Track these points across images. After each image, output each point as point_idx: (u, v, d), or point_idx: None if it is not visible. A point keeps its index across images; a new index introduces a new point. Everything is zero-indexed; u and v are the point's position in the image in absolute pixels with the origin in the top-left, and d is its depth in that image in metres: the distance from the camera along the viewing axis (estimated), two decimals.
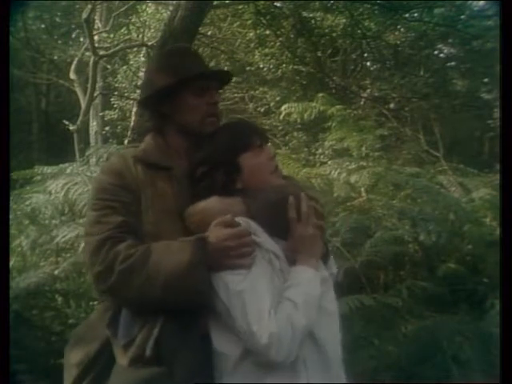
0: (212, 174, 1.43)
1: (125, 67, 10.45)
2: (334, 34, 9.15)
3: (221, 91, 1.73)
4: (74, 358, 1.51)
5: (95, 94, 9.22)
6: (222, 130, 1.50)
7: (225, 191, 1.41)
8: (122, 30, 10.05)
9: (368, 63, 10.88)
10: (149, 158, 1.53)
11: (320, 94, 6.09)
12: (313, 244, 1.41)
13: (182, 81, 1.53)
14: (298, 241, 1.39)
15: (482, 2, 9.86)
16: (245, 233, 1.33)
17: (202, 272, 1.31)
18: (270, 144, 1.54)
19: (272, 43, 9.17)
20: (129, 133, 4.94)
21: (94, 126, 10.30)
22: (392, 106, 9.78)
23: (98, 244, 1.38)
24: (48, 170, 4.87)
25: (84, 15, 7.97)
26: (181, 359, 1.30)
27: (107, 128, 10.96)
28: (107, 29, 9.89)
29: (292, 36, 9.16)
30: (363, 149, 5.27)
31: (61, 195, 3.95)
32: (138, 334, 1.36)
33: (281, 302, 1.28)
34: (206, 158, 1.45)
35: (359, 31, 8.57)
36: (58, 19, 14.12)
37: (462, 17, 9.41)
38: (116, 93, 10.97)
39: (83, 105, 8.76)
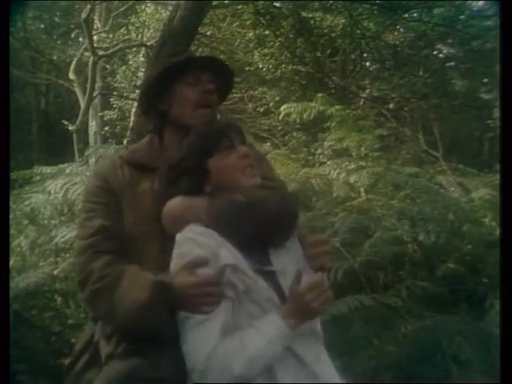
0: (180, 180, 1.41)
1: (124, 67, 10.44)
2: (334, 34, 9.15)
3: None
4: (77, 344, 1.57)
5: (94, 94, 9.21)
6: (192, 135, 1.46)
7: (192, 194, 1.39)
8: (122, 30, 10.04)
9: (367, 63, 10.88)
10: (135, 158, 1.55)
11: (319, 94, 6.09)
12: (306, 314, 1.31)
13: (170, 68, 1.55)
14: (294, 300, 1.31)
15: (481, 2, 9.88)
16: (213, 281, 1.26)
17: (159, 314, 1.29)
18: (245, 144, 1.47)
19: (271, 43, 9.17)
20: (128, 133, 4.94)
21: (93, 126, 10.30)
22: (391, 106, 9.78)
23: (79, 251, 1.44)
24: (47, 170, 4.87)
25: (83, 15, 7.97)
26: (163, 352, 1.31)
27: (106, 128, 10.95)
28: (106, 29, 9.89)
29: (291, 36, 9.16)
30: (362, 149, 5.27)
31: (60, 195, 3.95)
32: (112, 333, 1.40)
33: (233, 336, 1.24)
34: (176, 163, 1.42)
35: (358, 31, 8.56)
36: (57, 19, 14.11)
37: (462, 17, 9.41)
38: (115, 93, 10.96)
39: (82, 105, 8.75)
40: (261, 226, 1.33)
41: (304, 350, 1.32)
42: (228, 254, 1.28)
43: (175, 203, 1.38)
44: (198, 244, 1.28)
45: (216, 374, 1.20)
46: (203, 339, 1.22)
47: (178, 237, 1.31)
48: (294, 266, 1.35)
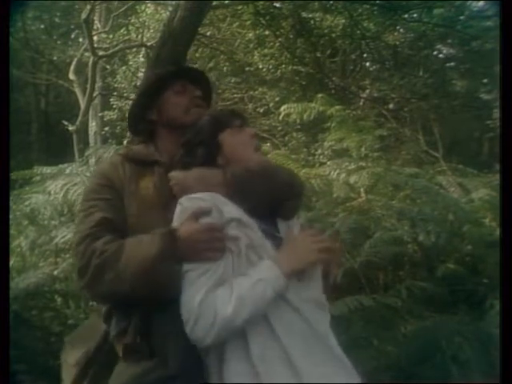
0: (193, 152, 1.47)
1: (124, 68, 10.43)
2: (334, 35, 9.15)
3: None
4: (72, 359, 1.53)
5: (94, 95, 9.21)
6: (203, 116, 1.54)
7: (205, 165, 1.44)
8: (122, 31, 10.03)
9: (367, 64, 10.87)
10: (135, 155, 1.59)
11: (319, 95, 6.09)
12: (302, 256, 1.33)
13: (157, 81, 1.66)
14: (290, 242, 1.36)
15: (481, 3, 9.87)
16: (216, 227, 1.31)
17: (168, 265, 1.30)
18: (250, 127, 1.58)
19: (271, 44, 9.16)
20: (128, 133, 4.94)
21: (93, 126, 10.29)
22: (391, 106, 9.77)
23: (78, 241, 1.42)
24: (47, 170, 4.88)
25: (83, 16, 7.96)
26: (171, 346, 1.31)
27: (106, 128, 10.94)
28: (106, 29, 9.88)
29: (291, 36, 9.15)
30: (362, 149, 5.27)
31: (60, 196, 3.95)
32: (128, 325, 1.39)
33: (224, 284, 1.26)
34: (187, 139, 1.49)
35: (358, 32, 8.56)
36: (57, 19, 14.11)
37: (462, 17, 9.40)
38: (115, 93, 10.95)
39: (82, 105, 8.75)
40: (274, 192, 1.40)
41: (299, 301, 1.32)
42: (232, 209, 1.33)
43: (191, 173, 1.42)
44: (200, 199, 1.33)
45: (208, 320, 1.21)
46: (197, 289, 1.24)
47: (181, 199, 1.36)
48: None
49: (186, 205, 1.34)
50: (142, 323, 1.37)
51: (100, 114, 10.66)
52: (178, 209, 1.36)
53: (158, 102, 1.64)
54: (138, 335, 1.37)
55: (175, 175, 1.43)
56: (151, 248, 1.31)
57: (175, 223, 1.35)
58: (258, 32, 8.96)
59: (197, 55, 9.39)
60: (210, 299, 1.23)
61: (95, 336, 1.51)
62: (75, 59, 9.78)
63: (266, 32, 8.92)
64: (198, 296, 1.23)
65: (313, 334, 1.31)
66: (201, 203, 1.32)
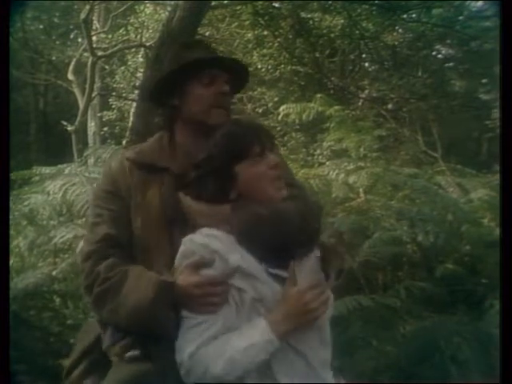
0: (204, 181, 1.34)
1: (123, 68, 10.44)
2: (332, 35, 9.15)
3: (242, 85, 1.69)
4: (74, 347, 1.56)
5: (93, 95, 9.21)
6: (223, 132, 1.38)
7: (215, 199, 1.32)
8: (121, 31, 10.03)
9: (366, 64, 10.86)
10: (144, 159, 1.51)
11: (318, 95, 6.10)
12: (298, 318, 1.25)
13: (185, 67, 1.50)
14: (286, 301, 1.26)
15: (480, 3, 9.88)
16: (216, 281, 1.25)
17: (162, 312, 1.29)
18: (275, 151, 1.40)
19: (270, 44, 9.16)
20: (127, 133, 4.94)
21: (92, 126, 10.28)
22: (390, 106, 9.77)
23: (84, 256, 1.43)
24: (46, 170, 4.87)
25: (82, 16, 7.96)
26: (169, 359, 1.30)
27: (105, 128, 10.94)
28: (105, 29, 9.88)
29: (290, 37, 9.15)
30: (361, 149, 5.27)
31: (59, 196, 3.95)
32: (122, 339, 1.40)
33: (220, 337, 1.22)
34: (201, 162, 1.35)
35: (357, 32, 8.56)
36: (56, 20, 14.08)
37: (461, 17, 9.41)
38: (114, 93, 10.95)
39: (81, 105, 8.75)
40: (283, 241, 1.28)
41: (304, 346, 1.29)
42: (239, 258, 1.25)
43: (199, 206, 1.33)
44: (204, 246, 1.26)
45: (198, 373, 1.21)
46: (190, 339, 1.22)
47: (185, 239, 1.29)
48: (311, 275, 1.30)
49: (188, 248, 1.27)
50: (140, 340, 1.37)
51: (99, 114, 10.66)
52: (181, 248, 1.29)
53: (182, 89, 1.51)
54: (134, 349, 1.38)
55: (184, 200, 1.35)
56: (147, 293, 1.30)
57: (176, 263, 1.31)
58: (256, 32, 8.96)
59: None
60: (201, 354, 1.21)
61: (94, 330, 1.52)
62: (74, 59, 9.77)
63: (265, 32, 8.92)
64: (189, 348, 1.21)
65: (311, 375, 1.28)
66: (203, 251, 1.25)
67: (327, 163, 5.52)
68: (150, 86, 1.62)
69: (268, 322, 1.23)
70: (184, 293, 1.27)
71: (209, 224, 1.29)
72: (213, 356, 1.20)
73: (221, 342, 1.22)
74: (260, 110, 9.56)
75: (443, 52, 11.53)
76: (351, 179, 4.59)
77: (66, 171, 4.71)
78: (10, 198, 4.04)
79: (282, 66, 9.27)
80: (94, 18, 10.14)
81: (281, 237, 1.28)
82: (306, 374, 1.27)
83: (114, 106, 10.82)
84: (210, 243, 1.25)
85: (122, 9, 9.67)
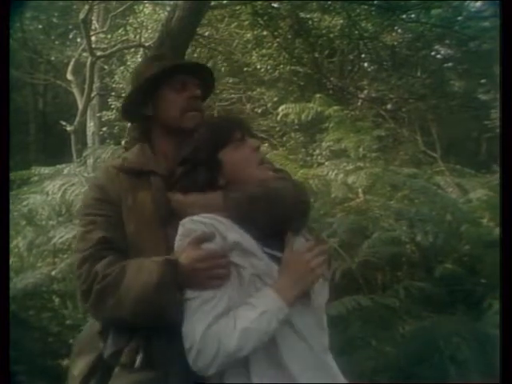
0: (192, 173, 1.38)
1: (122, 68, 10.43)
2: (332, 35, 9.15)
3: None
4: (76, 369, 1.53)
5: (92, 95, 9.20)
6: (201, 128, 1.45)
7: (206, 188, 1.36)
8: (120, 31, 10.03)
9: (365, 64, 10.87)
10: (130, 165, 1.53)
11: (317, 95, 6.10)
12: (303, 280, 1.30)
13: (156, 75, 1.53)
14: (288, 266, 1.31)
15: (479, 3, 9.88)
16: (218, 254, 1.27)
17: (169, 294, 1.28)
18: (253, 138, 1.46)
19: (269, 44, 9.16)
20: (126, 133, 4.93)
21: (91, 126, 10.27)
22: (389, 106, 9.78)
23: (80, 262, 1.41)
24: (45, 170, 4.88)
25: (81, 16, 7.96)
26: (173, 366, 1.30)
27: (104, 129, 10.93)
28: (104, 29, 9.87)
29: (289, 37, 9.15)
30: (360, 150, 5.28)
31: (58, 196, 3.95)
32: (127, 343, 1.38)
33: (227, 314, 1.23)
34: (186, 157, 1.40)
35: (356, 32, 8.57)
36: (55, 20, 14.07)
37: (459, 18, 9.42)
38: (113, 93, 10.94)
39: (80, 105, 8.74)
40: (278, 216, 1.33)
41: (304, 327, 1.31)
42: (237, 235, 1.28)
43: (191, 198, 1.36)
44: (203, 223, 1.28)
45: (211, 352, 1.20)
46: (199, 319, 1.22)
47: (183, 221, 1.31)
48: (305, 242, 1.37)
49: (187, 227, 1.29)
50: (143, 346, 1.36)
51: (98, 115, 10.65)
52: (179, 230, 1.31)
53: (154, 97, 1.55)
54: (136, 359, 1.36)
55: (174, 197, 1.38)
56: (151, 276, 1.29)
57: (177, 245, 1.32)
58: (256, 32, 8.96)
59: (195, 55, 9.38)
60: (213, 331, 1.21)
61: (95, 347, 1.49)
62: (73, 59, 9.76)
63: (264, 32, 8.92)
64: (199, 327, 1.21)
65: (315, 359, 1.30)
66: (203, 227, 1.28)
67: (326, 163, 5.51)
68: (123, 102, 1.64)
69: (275, 289, 1.26)
70: (188, 269, 1.27)
71: (203, 212, 1.31)
72: (225, 331, 1.21)
73: (230, 318, 1.23)
74: (259, 110, 9.57)
75: (442, 52, 11.54)
76: (350, 179, 4.59)
77: (65, 171, 4.72)
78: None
79: (281, 66, 9.27)
80: (93, 17, 10.13)
81: (272, 213, 1.33)
82: (309, 358, 1.30)
83: (113, 106, 10.80)
84: (208, 220, 1.28)
85: (121, 9, 9.67)
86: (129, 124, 5.46)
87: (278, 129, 9.17)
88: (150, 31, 9.33)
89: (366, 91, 9.92)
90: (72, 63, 9.61)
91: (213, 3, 7.09)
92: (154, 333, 1.35)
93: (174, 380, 1.29)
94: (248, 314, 1.23)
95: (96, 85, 9.99)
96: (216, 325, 1.21)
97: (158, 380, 1.32)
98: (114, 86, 10.98)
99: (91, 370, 1.48)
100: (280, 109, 6.13)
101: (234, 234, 1.28)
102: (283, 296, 1.26)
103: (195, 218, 1.30)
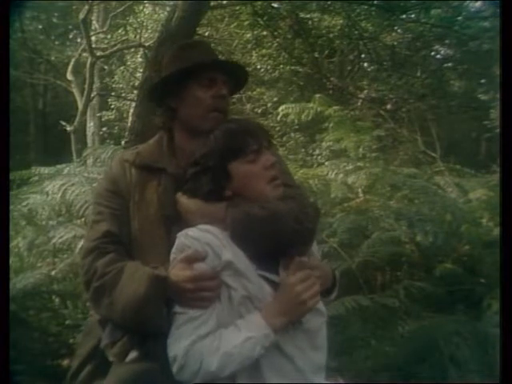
0: (200, 178, 1.34)
1: (122, 68, 10.45)
2: (331, 35, 9.15)
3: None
4: (79, 350, 1.57)
5: (92, 95, 9.21)
6: (217, 132, 1.38)
7: (211, 197, 1.33)
8: (120, 31, 10.05)
9: (365, 64, 10.88)
10: (142, 160, 1.53)
11: (317, 95, 6.09)
12: (294, 310, 1.26)
13: (185, 70, 1.50)
14: (280, 294, 1.27)
15: (478, 3, 9.90)
16: (208, 276, 1.25)
17: (154, 308, 1.29)
18: (272, 150, 1.41)
19: (269, 44, 9.17)
20: (126, 133, 4.93)
21: (91, 126, 10.28)
22: (389, 106, 9.78)
23: (85, 253, 1.45)
24: (45, 170, 4.87)
25: (81, 16, 7.97)
26: (167, 359, 1.30)
27: (104, 129, 10.96)
28: (104, 29, 9.89)
29: (289, 37, 9.15)
30: (360, 150, 5.28)
31: (58, 196, 3.94)
32: (121, 338, 1.40)
33: (213, 333, 1.22)
34: (198, 160, 1.36)
35: (356, 32, 8.57)
36: (55, 20, 14.09)
37: (459, 18, 9.41)
38: (113, 93, 10.96)
39: (80, 105, 8.75)
40: (276, 241, 1.29)
41: (293, 348, 1.29)
42: (231, 254, 1.26)
43: (193, 205, 1.34)
44: (198, 240, 1.26)
45: (193, 368, 1.20)
46: (184, 335, 1.22)
47: (180, 233, 1.30)
48: (301, 270, 1.31)
49: (182, 242, 1.28)
50: (137, 342, 1.38)
51: (98, 115, 10.67)
52: (176, 242, 1.30)
53: (181, 90, 1.52)
54: (132, 349, 1.38)
55: (180, 199, 1.37)
56: (139, 287, 1.31)
57: (171, 257, 1.31)
58: (255, 32, 8.96)
59: None
60: (197, 348, 1.20)
61: (96, 335, 1.52)
62: (73, 59, 9.77)
63: (264, 32, 8.92)
64: (183, 343, 1.21)
65: (303, 380, 1.29)
66: (197, 245, 1.26)
67: (326, 163, 5.51)
68: (149, 86, 1.63)
69: (263, 316, 1.24)
70: (176, 287, 1.27)
71: (204, 222, 1.30)
72: (208, 351, 1.20)
73: (215, 338, 1.22)
74: (259, 110, 9.57)
75: (442, 52, 11.56)
76: (350, 179, 4.59)
77: (65, 171, 4.71)
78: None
79: (281, 66, 9.28)
80: (92, 18, 10.15)
81: (272, 237, 1.29)
82: (294, 377, 1.28)
83: (113, 106, 10.83)
84: (203, 237, 1.26)
85: (120, 9, 9.69)
86: (129, 123, 5.47)
87: (277, 129, 9.17)
88: (149, 31, 9.35)
89: (365, 91, 9.93)
90: (72, 63, 9.63)
91: (212, 3, 7.09)
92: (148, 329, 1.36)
93: (169, 371, 1.29)
94: (232, 338, 1.21)
95: (96, 85, 10.01)
96: (200, 343, 1.21)
97: (155, 370, 1.32)
98: (113, 86, 11.00)
99: (90, 356, 1.51)
100: (280, 109, 6.13)
101: (228, 252, 1.26)
102: (271, 323, 1.23)
103: (191, 232, 1.28)
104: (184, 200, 1.36)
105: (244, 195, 1.33)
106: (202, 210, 1.33)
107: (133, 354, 1.38)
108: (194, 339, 1.21)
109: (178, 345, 1.22)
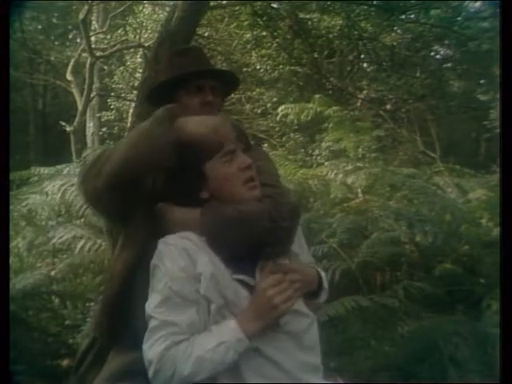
0: (175, 181, 1.34)
1: (122, 68, 10.44)
2: (331, 36, 9.15)
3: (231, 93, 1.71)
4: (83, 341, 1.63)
5: (92, 95, 9.21)
6: (191, 133, 1.35)
7: (187, 199, 1.33)
8: (119, 31, 10.04)
9: (365, 64, 10.88)
10: None
11: (317, 95, 6.11)
12: (267, 315, 1.25)
13: (174, 78, 1.56)
14: (253, 299, 1.27)
15: (478, 4, 9.90)
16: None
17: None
18: (251, 151, 1.42)
19: (269, 44, 9.16)
20: (126, 134, 4.94)
21: (90, 126, 10.28)
22: (388, 107, 9.79)
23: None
24: (45, 171, 4.88)
25: (81, 16, 7.97)
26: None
27: (104, 129, 10.95)
28: (104, 30, 9.88)
29: (289, 37, 9.15)
30: (360, 150, 5.29)
31: (57, 196, 3.95)
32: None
33: (188, 339, 1.22)
34: (173, 161, 1.34)
35: (356, 32, 8.56)
36: (54, 20, 14.07)
37: (459, 18, 9.41)
38: (113, 94, 10.96)
39: (80, 106, 8.75)
40: (250, 242, 1.29)
41: (274, 350, 1.28)
42: (207, 259, 1.25)
43: (169, 211, 1.34)
44: (175, 246, 1.26)
45: (168, 373, 1.19)
46: (159, 340, 1.21)
47: (160, 240, 1.30)
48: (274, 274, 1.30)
49: (160, 249, 1.28)
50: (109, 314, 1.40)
51: (98, 115, 10.66)
52: (156, 248, 1.29)
53: (171, 98, 1.56)
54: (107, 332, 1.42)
55: (160, 210, 1.35)
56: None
57: (152, 263, 1.29)
58: (255, 33, 8.96)
59: None
60: (171, 354, 1.20)
61: (89, 334, 1.56)
62: (73, 60, 9.76)
63: (264, 33, 8.92)
64: (158, 348, 1.20)
65: (290, 379, 1.28)
66: (174, 251, 1.26)
67: (326, 163, 5.52)
68: (147, 90, 1.67)
69: (237, 321, 1.24)
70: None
71: (183, 229, 1.30)
72: (182, 356, 1.19)
73: (189, 343, 1.21)
74: (259, 111, 9.57)
75: (441, 52, 11.56)
76: (350, 179, 4.60)
77: (65, 172, 4.72)
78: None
79: (281, 66, 9.27)
80: (92, 18, 10.14)
81: (246, 238, 1.29)
82: (277, 377, 1.27)
83: (112, 107, 10.82)
84: (180, 243, 1.27)
85: (120, 9, 9.68)
86: (128, 124, 5.46)
87: (277, 129, 9.18)
88: (149, 31, 9.34)
89: (365, 91, 9.93)
90: (71, 63, 9.62)
91: (212, 3, 7.08)
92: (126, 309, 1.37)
93: None
94: (205, 342, 1.21)
95: (95, 85, 10.00)
96: (175, 348, 1.20)
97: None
98: (113, 86, 11.00)
99: (83, 355, 1.54)
100: (279, 109, 6.15)
101: (203, 257, 1.25)
102: (244, 328, 1.22)
103: (169, 239, 1.28)
104: (163, 209, 1.35)
105: (220, 197, 1.33)
106: (179, 216, 1.33)
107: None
108: (169, 344, 1.20)
109: (153, 349, 1.21)
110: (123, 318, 1.37)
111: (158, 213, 1.35)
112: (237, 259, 1.29)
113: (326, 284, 1.50)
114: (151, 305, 1.24)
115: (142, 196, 1.34)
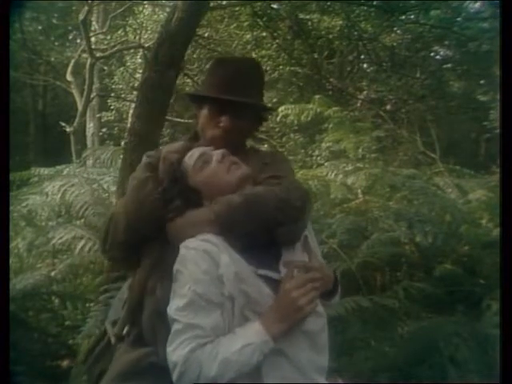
0: (174, 205, 1.37)
1: (122, 69, 10.45)
2: (331, 36, 9.16)
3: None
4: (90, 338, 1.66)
5: (92, 96, 9.22)
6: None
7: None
8: (119, 32, 10.06)
9: (364, 65, 10.89)
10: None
11: (317, 96, 6.11)
12: (291, 316, 1.26)
13: (195, 96, 1.63)
14: (278, 300, 1.27)
15: (478, 4, 9.91)
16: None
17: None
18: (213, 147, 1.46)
19: (269, 45, 9.18)
20: (126, 134, 4.94)
21: (90, 127, 10.28)
22: (388, 107, 9.80)
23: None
24: (45, 171, 4.88)
25: (81, 17, 7.98)
26: (160, 338, 1.31)
27: (104, 129, 10.96)
28: (104, 30, 9.88)
29: (289, 38, 9.16)
30: (360, 150, 5.29)
31: (57, 197, 3.95)
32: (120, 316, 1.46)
33: (212, 341, 1.22)
34: (166, 185, 1.39)
35: (356, 33, 8.57)
36: (54, 21, 14.08)
37: (458, 19, 9.43)
38: (113, 94, 10.97)
39: (80, 106, 8.76)
40: (261, 222, 1.30)
41: (294, 349, 1.29)
42: (229, 259, 1.26)
43: (181, 220, 1.35)
44: (196, 249, 1.27)
45: (193, 375, 1.20)
46: (184, 342, 1.22)
47: (181, 244, 1.30)
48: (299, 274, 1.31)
49: (182, 253, 1.29)
50: (130, 316, 1.41)
51: (98, 115, 10.66)
52: (177, 261, 1.29)
53: (198, 111, 1.58)
54: (125, 327, 1.42)
55: (169, 227, 1.36)
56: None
57: (175, 268, 1.29)
58: (255, 33, 8.97)
59: (194, 56, 9.40)
60: (196, 356, 1.20)
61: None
62: (73, 60, 9.77)
63: (264, 33, 8.93)
64: (183, 351, 1.20)
65: (305, 380, 1.29)
66: (195, 254, 1.26)
67: (326, 164, 5.52)
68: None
69: (261, 322, 1.24)
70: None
71: (198, 231, 1.30)
72: (207, 358, 1.20)
73: (214, 345, 1.22)
74: None
75: (441, 53, 11.58)
76: (350, 180, 4.60)
77: (65, 172, 4.73)
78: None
79: (281, 67, 9.28)
80: (92, 19, 10.15)
81: (259, 221, 1.30)
82: (294, 377, 1.28)
83: (112, 107, 10.84)
84: (201, 245, 1.27)
85: (120, 10, 9.68)
86: (129, 124, 5.47)
87: (277, 129, 9.18)
88: (149, 32, 9.35)
89: (365, 92, 9.94)
90: (71, 64, 9.63)
91: (212, 4, 7.09)
92: (141, 305, 1.39)
93: (163, 356, 1.28)
94: (231, 345, 1.21)
95: (96, 86, 10.01)
96: (200, 350, 1.21)
97: (151, 355, 1.34)
98: (113, 86, 11.01)
99: (94, 343, 1.58)
100: (280, 110, 6.14)
101: (225, 257, 1.26)
102: (269, 330, 1.23)
103: (189, 243, 1.29)
104: (171, 224, 1.36)
105: (219, 195, 1.35)
106: (189, 220, 1.33)
107: (127, 329, 1.42)
108: (194, 347, 1.21)
109: (177, 352, 1.22)
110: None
111: (169, 229, 1.37)
112: (257, 251, 1.29)
113: (339, 285, 1.51)
114: (174, 308, 1.25)
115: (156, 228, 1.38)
